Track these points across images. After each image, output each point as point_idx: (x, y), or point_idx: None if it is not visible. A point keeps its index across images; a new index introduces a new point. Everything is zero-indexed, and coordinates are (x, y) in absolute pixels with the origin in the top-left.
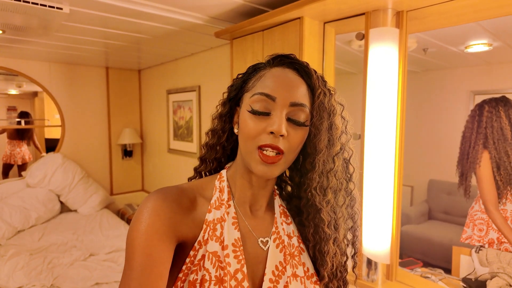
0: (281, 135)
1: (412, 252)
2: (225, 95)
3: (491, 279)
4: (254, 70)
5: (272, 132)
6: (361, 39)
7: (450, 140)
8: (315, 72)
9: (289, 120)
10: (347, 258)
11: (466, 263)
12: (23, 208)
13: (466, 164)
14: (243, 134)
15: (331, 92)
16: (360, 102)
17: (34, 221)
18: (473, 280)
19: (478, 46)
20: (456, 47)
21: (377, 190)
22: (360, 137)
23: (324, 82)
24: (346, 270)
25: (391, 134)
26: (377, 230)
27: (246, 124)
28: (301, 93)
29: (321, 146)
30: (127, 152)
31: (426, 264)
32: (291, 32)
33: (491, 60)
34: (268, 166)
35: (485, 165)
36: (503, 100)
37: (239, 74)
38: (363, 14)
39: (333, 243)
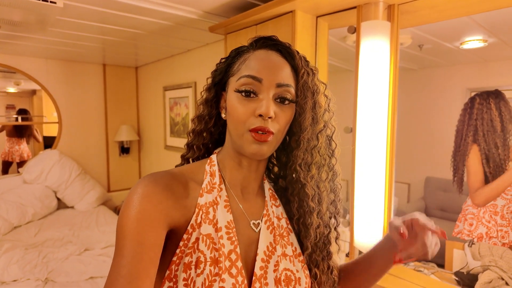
0: (270, 117)
1: None
2: (209, 80)
3: (483, 272)
4: (238, 53)
5: (260, 115)
6: (353, 33)
7: (446, 138)
8: (298, 52)
9: (276, 101)
10: (330, 230)
11: (459, 257)
12: (19, 204)
13: (458, 157)
14: (233, 118)
15: (314, 71)
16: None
17: (31, 217)
18: (465, 273)
19: (473, 42)
20: (451, 43)
21: (369, 183)
22: (352, 130)
23: (307, 62)
24: (329, 241)
25: (382, 126)
26: (368, 222)
27: (234, 108)
28: (286, 74)
29: (305, 124)
30: (124, 149)
31: (421, 260)
32: (283, 26)
33: (487, 57)
34: (260, 144)
35: (473, 157)
36: (494, 93)
37: (222, 59)
38: (355, 7)
39: (316, 216)
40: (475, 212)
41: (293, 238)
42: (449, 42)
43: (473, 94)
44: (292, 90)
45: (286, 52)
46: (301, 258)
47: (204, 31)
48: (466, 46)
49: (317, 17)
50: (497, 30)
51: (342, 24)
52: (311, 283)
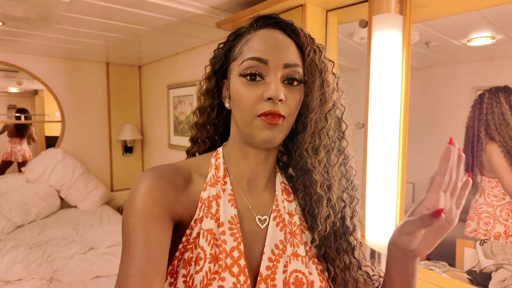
0: (280, 100)
1: None
2: (208, 69)
3: (496, 271)
4: (237, 36)
5: (269, 98)
6: (364, 27)
7: (452, 136)
8: (302, 30)
9: (284, 83)
10: (345, 220)
11: (470, 256)
12: (22, 203)
13: (471, 154)
14: (239, 106)
15: (321, 49)
16: (361, 98)
17: (34, 217)
18: (478, 272)
19: (481, 39)
20: (459, 40)
21: (381, 179)
22: (363, 126)
23: (312, 39)
24: (345, 233)
25: (395, 122)
26: (380, 220)
27: (240, 94)
28: (292, 53)
29: (313, 104)
30: (127, 148)
31: (429, 260)
32: (293, 20)
33: (494, 55)
34: (272, 128)
35: (497, 156)
36: (504, 88)
37: (220, 44)
38: (366, 1)
39: (326, 205)
40: (491, 210)
41: (307, 236)
42: (456, 39)
43: (479, 92)
44: (300, 70)
45: (290, 29)
46: (315, 259)
47: (210, 27)
48: (473, 43)
49: (327, 11)
50: (506, 26)
51: (351, 19)
52: (329, 283)
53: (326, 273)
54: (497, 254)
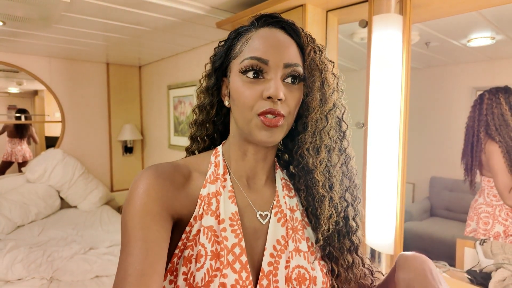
0: (279, 99)
1: (415, 249)
2: (208, 67)
3: (496, 270)
4: (238, 34)
5: (269, 97)
6: (364, 27)
7: (452, 137)
8: (303, 30)
9: (284, 82)
10: (348, 220)
11: (471, 256)
12: (22, 203)
13: (471, 154)
14: (239, 104)
15: (321, 49)
16: (361, 99)
17: (34, 217)
18: (478, 272)
19: (481, 39)
20: (458, 40)
21: (381, 179)
22: (363, 125)
23: (313, 39)
24: (349, 232)
25: (395, 122)
26: (381, 220)
27: (239, 92)
28: (293, 53)
29: (313, 104)
30: (127, 149)
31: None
32: (293, 20)
33: (494, 55)
34: (271, 130)
35: (495, 156)
36: (504, 89)
37: (220, 42)
38: (366, 1)
39: (328, 204)
40: (490, 210)
41: (309, 232)
42: (456, 39)
43: (478, 93)
44: (300, 69)
45: (291, 29)
46: (319, 254)
47: (210, 28)
48: (473, 43)
49: (327, 11)
50: (506, 26)
51: (351, 19)
52: (332, 281)
53: (330, 272)
54: (497, 254)
